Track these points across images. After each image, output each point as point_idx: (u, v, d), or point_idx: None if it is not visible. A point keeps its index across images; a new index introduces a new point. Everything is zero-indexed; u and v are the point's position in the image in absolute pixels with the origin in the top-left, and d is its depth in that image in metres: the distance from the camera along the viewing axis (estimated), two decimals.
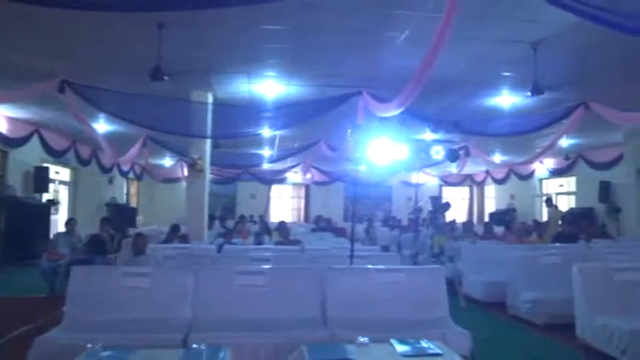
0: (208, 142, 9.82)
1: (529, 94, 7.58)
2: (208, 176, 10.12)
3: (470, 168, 19.02)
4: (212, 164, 10.88)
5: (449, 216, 10.83)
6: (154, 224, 16.36)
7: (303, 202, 22.99)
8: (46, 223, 12.53)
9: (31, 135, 12.24)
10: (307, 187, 22.56)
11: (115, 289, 4.69)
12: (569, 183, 17.66)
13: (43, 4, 4.62)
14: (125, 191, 20.04)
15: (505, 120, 10.14)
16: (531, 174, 18.76)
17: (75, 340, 3.68)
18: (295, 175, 20.82)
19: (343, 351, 3.22)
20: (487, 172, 21.11)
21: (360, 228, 13.26)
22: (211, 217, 11.65)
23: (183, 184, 16.42)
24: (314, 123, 9.45)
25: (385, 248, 9.18)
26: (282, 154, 15.38)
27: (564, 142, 13.45)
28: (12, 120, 11.67)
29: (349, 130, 7.99)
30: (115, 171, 17.58)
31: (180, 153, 13.28)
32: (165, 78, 6.93)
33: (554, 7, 4.38)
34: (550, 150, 11.67)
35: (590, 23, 4.60)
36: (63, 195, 15.31)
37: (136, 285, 4.72)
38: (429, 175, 20.20)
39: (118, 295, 4.66)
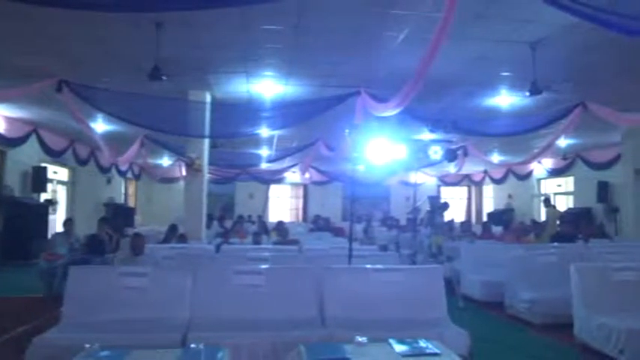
0: (206, 142, 9.81)
1: (527, 94, 7.58)
2: (206, 176, 10.11)
3: (468, 168, 19.04)
4: (210, 164, 10.87)
5: (447, 216, 10.84)
6: (152, 224, 16.39)
7: (301, 201, 22.99)
8: (44, 223, 12.51)
9: (29, 135, 12.21)
10: (305, 187, 22.57)
11: (113, 289, 4.69)
12: (567, 183, 17.68)
13: (43, 3, 4.62)
14: (123, 191, 20.01)
15: (503, 120, 10.15)
16: (529, 174, 18.80)
17: (73, 341, 3.67)
18: (293, 175, 20.81)
19: (341, 350, 3.21)
20: (485, 172, 21.13)
21: (359, 228, 13.26)
22: (209, 217, 11.65)
23: (182, 183, 16.42)
24: (312, 123, 9.44)
25: (383, 248, 9.17)
26: (280, 153, 15.37)
27: (562, 142, 13.46)
28: (10, 119, 11.65)
29: (347, 130, 8.01)
30: (113, 171, 17.58)
31: (178, 152, 13.26)
32: (164, 78, 6.92)
33: (552, 8, 4.39)
34: (548, 150, 11.69)
35: (589, 23, 4.62)
36: (61, 195, 15.28)
37: (134, 285, 4.72)
38: (428, 175, 20.21)
39: (115, 295, 4.65)
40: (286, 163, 17.54)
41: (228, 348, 3.30)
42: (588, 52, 6.93)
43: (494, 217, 18.83)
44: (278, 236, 10.00)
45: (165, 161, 18.58)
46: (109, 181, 17.95)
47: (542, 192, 18.72)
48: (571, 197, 17.41)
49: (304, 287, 4.87)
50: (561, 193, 18.10)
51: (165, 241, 8.98)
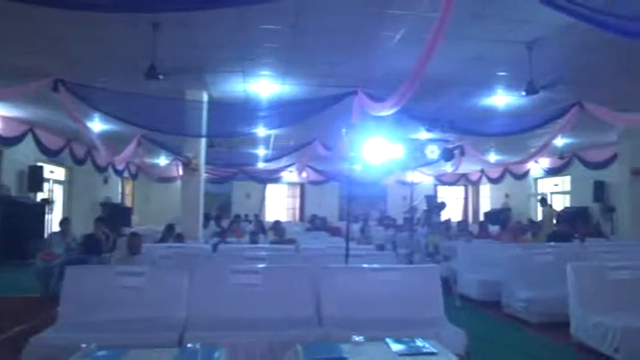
0: (203, 141, 9.80)
1: (524, 93, 7.59)
2: (203, 175, 10.11)
3: (465, 167, 19.08)
4: (207, 163, 10.87)
5: (444, 215, 10.86)
6: (149, 223, 16.36)
7: (298, 201, 22.99)
8: (40, 223, 12.47)
9: (25, 134, 12.18)
10: (302, 187, 22.57)
11: (109, 288, 4.68)
12: (564, 182, 17.73)
13: (43, 4, 4.61)
14: (120, 190, 19.99)
15: (500, 119, 10.17)
16: (526, 173, 18.83)
17: (69, 340, 3.66)
18: (290, 175, 20.81)
19: (338, 350, 3.21)
20: (482, 171, 21.15)
21: (356, 227, 13.27)
22: (206, 217, 11.64)
23: (178, 183, 16.38)
24: (309, 122, 9.44)
25: (380, 247, 9.18)
26: (277, 153, 15.37)
27: (559, 142, 13.51)
28: (6, 119, 11.62)
29: (344, 130, 8.00)
30: (110, 170, 17.54)
31: (175, 152, 13.25)
32: (160, 77, 6.91)
33: (548, 8, 4.41)
34: (545, 149, 11.72)
35: (585, 24, 4.63)
36: (58, 194, 15.24)
37: (131, 284, 4.71)
38: (424, 175, 20.22)
39: (112, 294, 4.64)
40: (283, 162, 17.54)
41: (225, 347, 3.30)
42: (585, 53, 6.95)
43: (491, 216, 18.89)
44: (275, 236, 9.99)
45: (162, 161, 18.55)
46: (105, 181, 17.92)
47: (539, 191, 18.76)
48: (568, 196, 17.47)
49: (301, 287, 4.87)
50: (558, 193, 18.15)
51: (162, 240, 8.97)
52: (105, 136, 12.07)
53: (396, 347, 3.25)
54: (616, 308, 4.93)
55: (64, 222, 9.24)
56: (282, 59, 7.63)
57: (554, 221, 12.11)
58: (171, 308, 4.63)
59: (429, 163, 13.64)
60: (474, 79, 8.45)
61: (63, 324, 4.36)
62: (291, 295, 4.81)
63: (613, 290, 5.20)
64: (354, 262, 5.87)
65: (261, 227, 12.52)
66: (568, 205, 16.91)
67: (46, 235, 11.22)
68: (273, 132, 12.28)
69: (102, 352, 3.10)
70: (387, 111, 6.71)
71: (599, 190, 14.68)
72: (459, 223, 14.03)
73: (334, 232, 14.74)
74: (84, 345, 3.14)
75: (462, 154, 13.05)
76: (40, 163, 13.16)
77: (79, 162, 15.19)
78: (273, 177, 20.63)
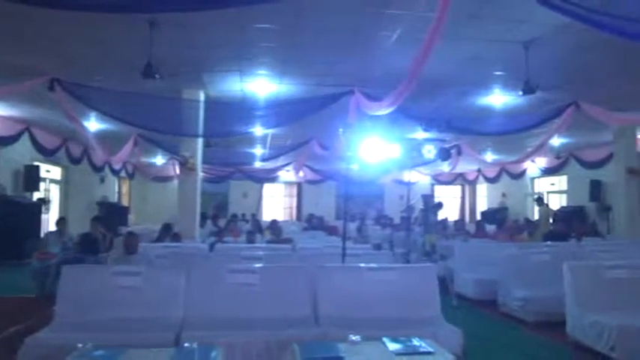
0: (200, 141, 9.78)
1: (521, 93, 7.61)
2: (200, 175, 10.09)
3: (462, 167, 19.09)
4: (204, 163, 10.85)
5: (441, 214, 10.87)
6: (145, 223, 16.33)
7: (295, 200, 22.98)
8: (36, 223, 12.44)
9: (21, 133, 12.13)
10: (299, 186, 22.56)
11: (106, 288, 4.68)
12: (561, 182, 17.78)
13: (43, 5, 4.60)
14: (117, 190, 19.94)
15: (497, 119, 10.19)
16: (523, 173, 18.88)
17: (65, 340, 3.66)
18: (287, 174, 20.81)
19: (335, 349, 3.22)
20: (479, 170, 21.18)
21: (353, 226, 13.27)
22: (203, 216, 11.62)
23: (175, 182, 16.38)
24: (306, 122, 9.44)
25: (377, 246, 9.19)
26: (274, 152, 15.37)
27: (556, 141, 13.54)
28: (2, 118, 11.57)
29: (341, 129, 8.01)
30: (107, 170, 17.50)
31: (172, 151, 13.22)
32: (157, 76, 6.89)
33: (545, 8, 4.42)
34: (541, 149, 11.75)
35: (581, 24, 4.64)
36: (54, 194, 15.20)
37: (128, 284, 4.70)
38: (421, 174, 20.24)
39: (109, 294, 4.64)
40: (280, 161, 17.53)
41: (221, 347, 3.30)
42: (581, 52, 6.97)
43: (488, 215, 18.92)
44: (272, 235, 9.99)
45: (159, 160, 18.53)
46: (102, 180, 17.87)
47: (536, 191, 18.81)
48: (564, 196, 17.52)
49: (298, 286, 4.87)
50: (555, 192, 18.20)
51: (159, 240, 8.95)
52: (101, 136, 12.04)
53: (392, 346, 3.26)
54: (612, 307, 4.94)
55: (61, 221, 9.22)
56: (280, 59, 7.62)
57: (551, 220, 12.14)
58: (168, 308, 4.62)
59: (426, 163, 13.67)
60: (471, 79, 8.46)
61: (59, 324, 4.36)
62: (288, 294, 4.81)
63: (609, 289, 5.21)
64: (350, 261, 5.88)
65: (258, 227, 12.52)
66: (564, 204, 16.96)
67: (42, 235, 11.21)
68: (270, 131, 12.26)
69: (98, 352, 3.10)
70: (384, 110, 6.71)
71: (596, 189, 14.73)
72: (455, 222, 14.04)
73: (331, 231, 14.74)
74: (80, 345, 3.14)
75: (459, 153, 13.06)
76: (36, 163, 13.13)
77: (76, 161, 15.14)
78: (270, 176, 20.61)
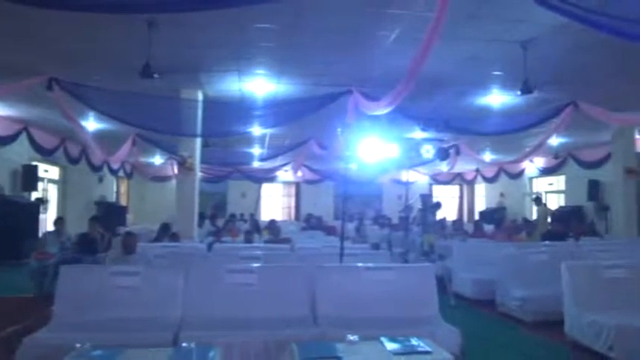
0: (198, 141, 9.77)
1: (519, 93, 7.62)
2: (198, 174, 10.08)
3: (460, 166, 19.10)
4: (202, 162, 10.84)
5: (439, 214, 10.87)
6: (144, 223, 16.31)
7: (293, 200, 22.97)
8: (34, 222, 12.41)
9: (19, 133, 12.11)
10: (298, 186, 22.55)
11: (104, 288, 4.67)
12: (559, 181, 17.81)
13: (42, 5, 4.59)
14: (115, 190, 19.92)
15: (495, 119, 10.19)
16: (521, 173, 18.91)
17: (64, 340, 3.66)
18: (286, 174, 20.81)
19: (333, 349, 3.22)
20: (477, 170, 21.21)
21: (351, 226, 13.28)
22: (201, 216, 11.62)
23: (174, 182, 16.36)
24: (304, 121, 9.44)
25: (375, 246, 9.18)
26: (272, 152, 15.37)
27: (554, 141, 13.55)
28: (0, 118, 11.56)
29: (339, 129, 8.01)
30: (105, 169, 17.48)
31: (170, 151, 13.21)
32: (155, 76, 6.88)
33: (543, 8, 4.42)
34: (540, 149, 11.76)
35: (579, 24, 4.65)
36: (52, 193, 15.19)
37: (126, 284, 4.70)
38: (420, 174, 20.26)
39: (107, 294, 4.64)
40: (278, 161, 17.54)
41: (219, 347, 3.30)
42: (579, 52, 6.98)
43: (486, 215, 18.95)
44: (270, 235, 9.99)
45: (157, 160, 18.52)
46: (100, 180, 17.86)
47: (534, 190, 18.83)
48: (562, 196, 17.55)
49: (296, 286, 4.87)
50: (553, 192, 18.23)
51: (157, 239, 8.95)
52: (99, 135, 12.03)
53: (390, 346, 3.26)
54: (610, 307, 4.95)
55: (59, 221, 9.21)
56: (278, 58, 7.62)
57: (549, 220, 12.15)
58: (166, 308, 4.62)
59: (424, 163, 13.68)
60: (470, 79, 8.46)
61: (57, 324, 4.35)
62: (286, 294, 4.81)
63: (607, 289, 5.22)
64: (349, 261, 5.88)
65: (256, 226, 12.51)
66: (562, 204, 16.99)
67: (40, 235, 11.17)
68: (268, 131, 12.25)
69: (96, 352, 3.10)
70: (382, 110, 6.72)
71: (594, 189, 14.76)
72: (454, 222, 14.06)
73: (329, 231, 14.74)
74: (78, 345, 3.13)
75: (457, 153, 13.08)
76: (34, 162, 13.11)
77: (74, 161, 15.12)
78: (268, 176, 20.62)
